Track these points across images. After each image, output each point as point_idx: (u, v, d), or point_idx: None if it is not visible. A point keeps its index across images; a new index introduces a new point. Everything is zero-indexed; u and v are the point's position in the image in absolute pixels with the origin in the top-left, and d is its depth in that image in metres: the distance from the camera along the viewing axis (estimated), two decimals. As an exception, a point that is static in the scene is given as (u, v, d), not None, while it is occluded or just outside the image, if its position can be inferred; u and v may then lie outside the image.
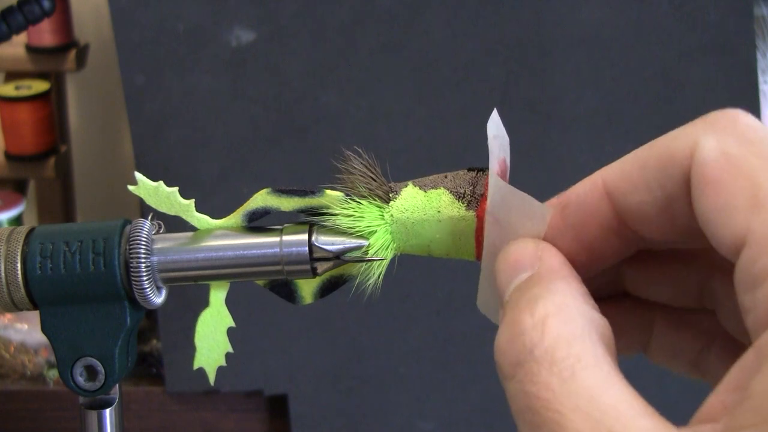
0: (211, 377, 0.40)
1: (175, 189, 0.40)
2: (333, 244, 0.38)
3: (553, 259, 0.30)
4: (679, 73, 0.92)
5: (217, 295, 0.40)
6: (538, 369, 0.26)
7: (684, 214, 0.29)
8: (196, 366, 0.40)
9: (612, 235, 0.31)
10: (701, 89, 0.92)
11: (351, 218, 0.38)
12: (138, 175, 0.40)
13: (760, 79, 0.93)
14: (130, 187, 0.40)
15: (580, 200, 0.31)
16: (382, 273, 0.38)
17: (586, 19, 0.91)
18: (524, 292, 0.29)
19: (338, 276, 0.39)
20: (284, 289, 0.40)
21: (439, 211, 0.37)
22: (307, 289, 0.40)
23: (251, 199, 0.40)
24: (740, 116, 0.28)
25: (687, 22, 0.91)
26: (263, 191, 0.40)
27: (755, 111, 0.93)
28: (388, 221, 0.38)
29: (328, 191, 0.39)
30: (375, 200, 0.38)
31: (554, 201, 0.32)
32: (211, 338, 0.40)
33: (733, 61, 0.92)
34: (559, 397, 0.26)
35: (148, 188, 0.40)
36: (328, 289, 0.40)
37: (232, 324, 0.40)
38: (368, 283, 0.38)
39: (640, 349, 0.35)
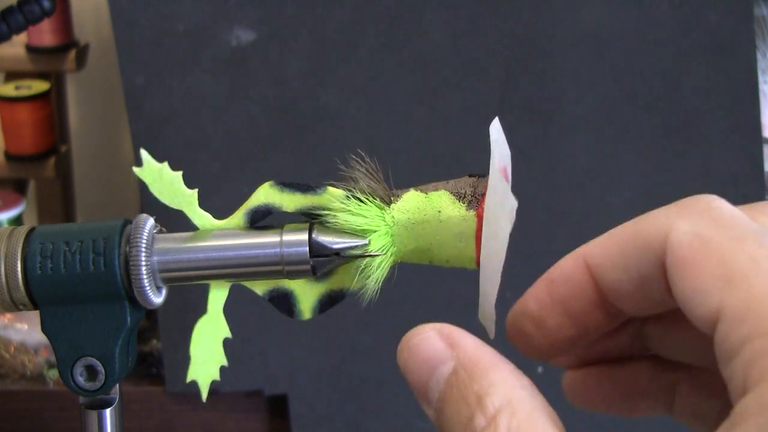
0: (204, 392, 0.39)
1: (179, 173, 0.40)
2: (333, 243, 0.38)
3: (469, 342, 0.31)
4: (679, 73, 0.92)
5: (216, 301, 0.40)
6: None
7: (660, 293, 0.30)
8: (189, 378, 0.39)
9: (596, 309, 0.33)
10: (701, 89, 0.92)
11: (352, 215, 0.38)
12: (143, 153, 0.40)
13: (760, 79, 0.93)
14: (135, 169, 0.40)
15: (565, 276, 0.33)
16: (382, 279, 0.38)
17: (586, 19, 0.91)
18: (464, 390, 0.30)
19: (338, 290, 0.39)
20: (283, 303, 0.40)
21: (439, 212, 0.37)
22: (307, 303, 0.40)
23: (254, 193, 0.40)
24: (714, 201, 0.30)
25: (687, 22, 0.91)
26: (266, 184, 0.40)
27: (755, 111, 0.93)
28: (388, 223, 0.38)
29: (331, 188, 0.39)
30: (376, 200, 0.38)
31: (542, 281, 0.34)
32: (207, 348, 0.40)
33: (733, 61, 0.92)
34: None
35: (152, 170, 0.40)
36: (327, 304, 0.40)
37: (229, 335, 0.40)
38: (367, 289, 0.38)
39: (665, 409, 0.36)
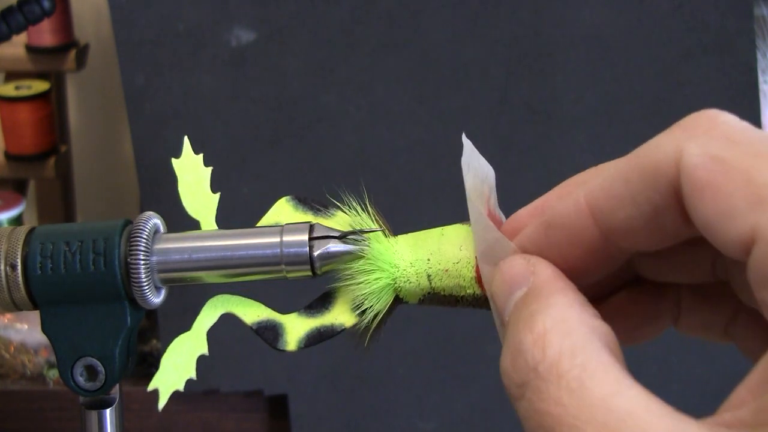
0: (162, 401, 0.39)
1: (210, 169, 0.40)
2: (334, 244, 0.38)
3: (546, 272, 0.30)
4: (679, 73, 0.92)
5: (202, 323, 0.40)
6: (545, 385, 0.26)
7: (673, 224, 0.29)
8: (151, 387, 0.38)
9: (597, 253, 0.31)
10: (701, 89, 0.92)
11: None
12: (185, 141, 0.40)
13: (760, 79, 0.93)
14: (174, 161, 0.40)
15: (564, 221, 0.31)
16: (382, 313, 0.38)
17: (586, 19, 0.91)
18: (521, 309, 0.29)
19: (329, 326, 0.39)
20: (269, 334, 0.39)
21: (442, 233, 0.38)
22: (294, 335, 0.39)
23: (273, 208, 0.40)
24: (719, 116, 0.28)
25: (687, 22, 0.91)
26: (283, 199, 0.40)
27: (755, 111, 0.93)
28: (391, 243, 0.38)
29: (339, 212, 0.39)
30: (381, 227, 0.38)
31: (534, 211, 0.33)
32: (180, 360, 0.39)
33: (733, 61, 0.92)
34: (570, 410, 0.25)
35: (190, 159, 0.40)
36: (315, 338, 0.39)
37: (206, 352, 0.40)
38: (364, 325, 0.38)
39: (670, 323, 0.35)
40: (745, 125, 0.28)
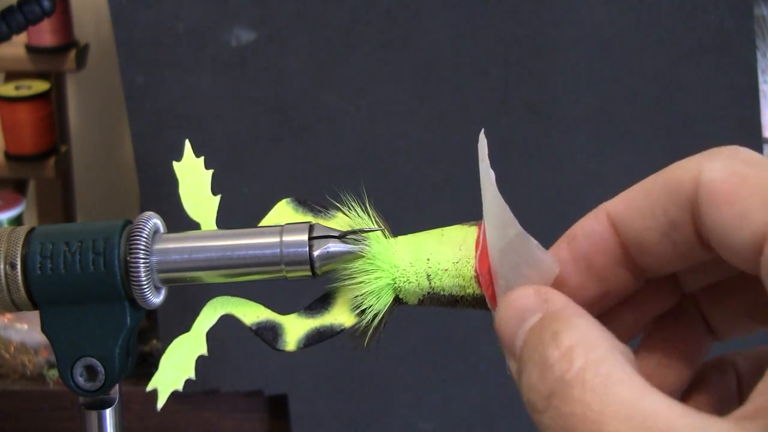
0: (161, 401, 0.39)
1: (211, 172, 0.40)
2: (334, 244, 0.38)
3: (560, 298, 0.31)
4: (679, 73, 0.92)
5: (202, 324, 0.40)
6: (570, 391, 0.27)
7: (686, 238, 0.30)
8: (150, 387, 0.39)
9: (619, 266, 0.32)
10: (701, 89, 0.92)
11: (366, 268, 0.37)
12: (186, 144, 0.40)
13: (760, 79, 0.93)
14: (175, 164, 0.40)
15: (586, 232, 0.33)
16: (382, 313, 0.38)
17: (586, 19, 0.91)
18: (543, 330, 0.30)
19: (328, 326, 0.39)
20: (269, 334, 0.39)
21: (442, 233, 0.38)
22: (293, 335, 0.39)
23: (273, 210, 0.40)
24: (739, 149, 0.30)
25: (687, 22, 0.91)
26: (283, 201, 0.40)
27: (755, 111, 0.93)
28: (391, 243, 0.38)
29: (340, 214, 0.39)
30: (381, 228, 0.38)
31: (562, 240, 0.33)
32: (179, 361, 0.39)
33: (733, 61, 0.92)
34: (595, 407, 0.26)
35: (191, 163, 0.40)
36: (314, 338, 0.39)
37: (205, 353, 0.40)
38: (364, 325, 0.38)
39: (709, 338, 0.36)
40: (763, 156, 0.30)
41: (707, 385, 0.35)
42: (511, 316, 0.31)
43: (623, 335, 0.36)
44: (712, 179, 0.29)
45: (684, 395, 0.35)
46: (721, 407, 0.35)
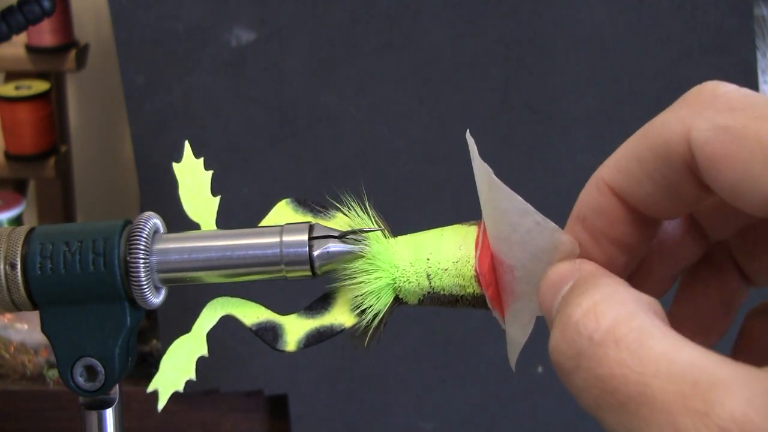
0: (162, 402, 0.39)
1: (210, 173, 0.40)
2: (334, 244, 0.38)
3: (590, 265, 0.31)
4: (679, 73, 0.92)
5: (202, 325, 0.40)
6: (603, 351, 0.26)
7: (692, 194, 0.30)
8: (151, 388, 0.39)
9: (635, 228, 0.32)
10: (701, 89, 0.92)
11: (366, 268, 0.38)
12: (186, 146, 0.40)
13: (760, 79, 0.93)
14: (174, 165, 0.40)
15: (594, 207, 0.32)
16: (383, 313, 0.38)
17: (586, 19, 0.91)
18: (569, 296, 0.29)
19: (328, 326, 0.39)
20: (269, 334, 0.39)
21: (442, 233, 0.38)
22: (293, 336, 0.39)
23: (273, 210, 0.40)
24: (718, 87, 0.29)
25: (687, 22, 0.91)
26: (283, 201, 0.40)
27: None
28: (391, 243, 0.38)
29: (339, 214, 0.39)
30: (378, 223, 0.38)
31: (573, 222, 0.33)
32: (179, 362, 0.39)
33: (733, 61, 0.92)
34: (635, 368, 0.25)
35: (190, 164, 0.40)
36: (314, 338, 0.39)
37: (206, 354, 0.40)
38: (364, 325, 0.38)
39: (743, 285, 0.36)
40: (745, 91, 0.29)
41: (752, 338, 0.34)
42: (548, 288, 0.31)
43: (655, 289, 0.35)
44: (704, 140, 0.28)
45: (733, 347, 0.35)
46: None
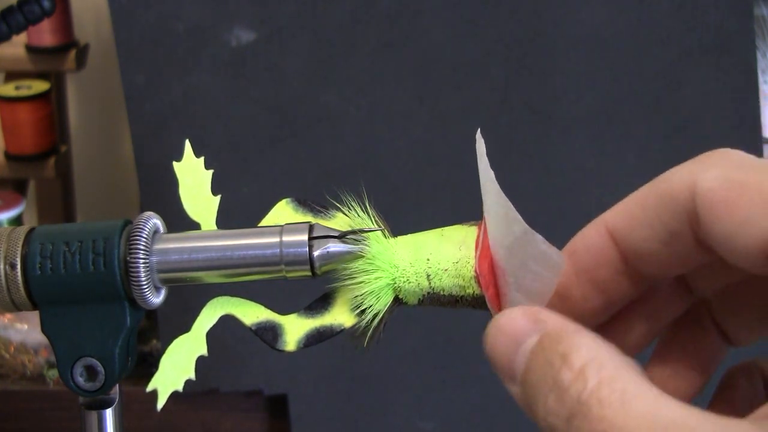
0: (161, 402, 0.39)
1: (210, 172, 0.40)
2: (334, 244, 0.38)
3: (554, 317, 0.31)
4: (679, 73, 0.92)
5: (202, 324, 0.40)
6: (587, 409, 0.27)
7: (686, 246, 0.30)
8: (150, 387, 0.39)
9: (620, 276, 0.33)
10: (701, 89, 0.92)
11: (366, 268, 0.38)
12: (187, 144, 0.40)
13: (760, 79, 0.93)
14: (175, 164, 0.40)
15: (586, 244, 0.33)
16: (383, 313, 0.38)
17: (586, 19, 0.91)
18: (549, 353, 0.29)
19: (328, 326, 0.39)
20: (269, 334, 0.39)
21: (442, 233, 0.38)
22: (293, 335, 0.39)
23: (273, 210, 0.40)
24: (730, 151, 0.30)
25: (687, 22, 0.91)
26: (283, 201, 0.40)
27: (755, 111, 0.93)
28: (391, 243, 0.38)
29: (339, 214, 0.39)
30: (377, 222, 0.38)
31: (563, 253, 0.33)
32: (179, 361, 0.39)
33: (733, 61, 0.92)
34: (616, 422, 0.26)
35: (191, 163, 0.40)
36: (314, 338, 0.39)
37: (205, 353, 0.40)
38: (364, 325, 0.38)
39: (724, 344, 0.36)
40: (754, 157, 0.30)
41: (734, 391, 0.35)
42: (504, 341, 0.32)
43: (636, 344, 0.36)
44: (708, 188, 0.29)
45: (712, 400, 0.35)
46: (750, 412, 0.35)
